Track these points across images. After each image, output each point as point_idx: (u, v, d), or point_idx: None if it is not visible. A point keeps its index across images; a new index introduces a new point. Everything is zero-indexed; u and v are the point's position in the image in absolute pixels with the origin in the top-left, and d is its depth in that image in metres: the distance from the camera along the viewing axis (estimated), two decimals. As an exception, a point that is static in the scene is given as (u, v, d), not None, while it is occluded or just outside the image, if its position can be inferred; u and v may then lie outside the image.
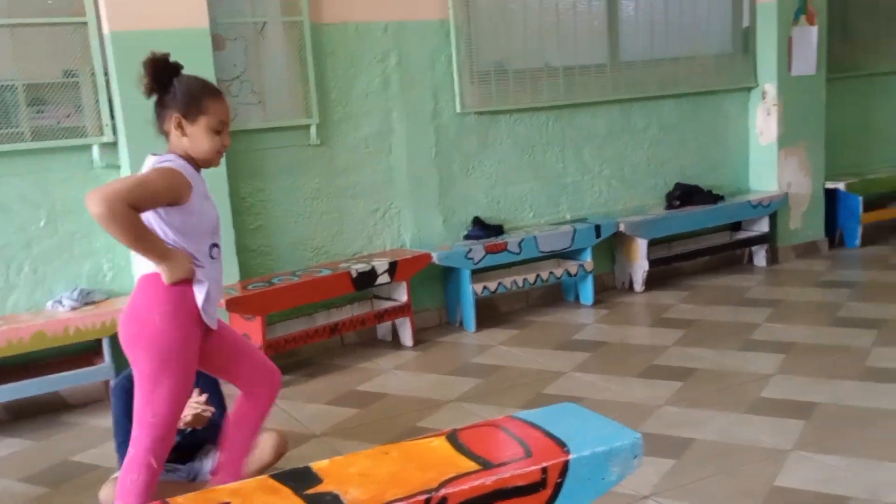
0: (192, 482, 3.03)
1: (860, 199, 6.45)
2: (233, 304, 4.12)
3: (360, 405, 3.98)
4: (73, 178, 4.17)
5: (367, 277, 4.59)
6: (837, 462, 3.03)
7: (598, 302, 5.45)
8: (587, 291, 5.46)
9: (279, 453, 3.02)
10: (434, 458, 2.04)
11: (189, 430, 2.94)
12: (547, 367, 4.30)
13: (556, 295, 5.63)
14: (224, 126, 2.56)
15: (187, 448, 3.03)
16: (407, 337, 4.85)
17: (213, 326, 2.58)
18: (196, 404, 2.84)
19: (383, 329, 5.00)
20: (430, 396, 4.02)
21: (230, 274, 4.35)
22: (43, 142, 4.08)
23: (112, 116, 4.15)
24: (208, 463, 3.05)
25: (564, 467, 1.99)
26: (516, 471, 1.95)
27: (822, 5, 6.15)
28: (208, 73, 4.19)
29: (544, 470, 1.97)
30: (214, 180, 4.23)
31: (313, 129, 4.71)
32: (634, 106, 5.84)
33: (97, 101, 4.15)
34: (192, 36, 4.15)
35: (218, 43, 4.36)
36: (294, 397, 4.14)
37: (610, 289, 5.76)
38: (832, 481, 2.88)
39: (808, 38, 6.13)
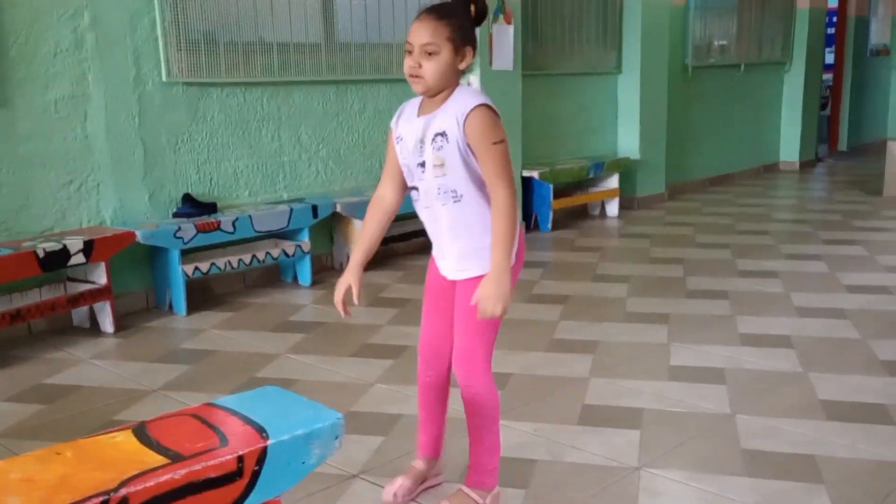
0: None
1: (551, 186, 7.01)
2: None
3: (46, 400, 3.56)
4: None
5: (58, 257, 4.11)
6: (525, 428, 3.21)
7: (316, 283, 5.39)
8: (305, 272, 5.36)
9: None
10: (116, 456, 1.82)
11: None
12: (261, 350, 4.15)
13: (274, 276, 5.48)
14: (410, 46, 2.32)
15: None
16: (107, 323, 4.44)
17: (443, 274, 2.53)
18: None
19: (80, 315, 4.54)
20: (131, 387, 3.69)
21: None
22: None
23: None
24: None
25: (262, 454, 1.88)
26: (209, 461, 1.80)
27: (516, 6, 6.56)
28: None
29: (240, 458, 1.84)
30: None
31: (-13, 88, 4.13)
32: (350, 87, 5.82)
33: None
34: None
35: None
36: (-37, 395, 3.61)
37: (328, 269, 5.72)
38: (520, 446, 3.05)
39: (506, 36, 6.53)
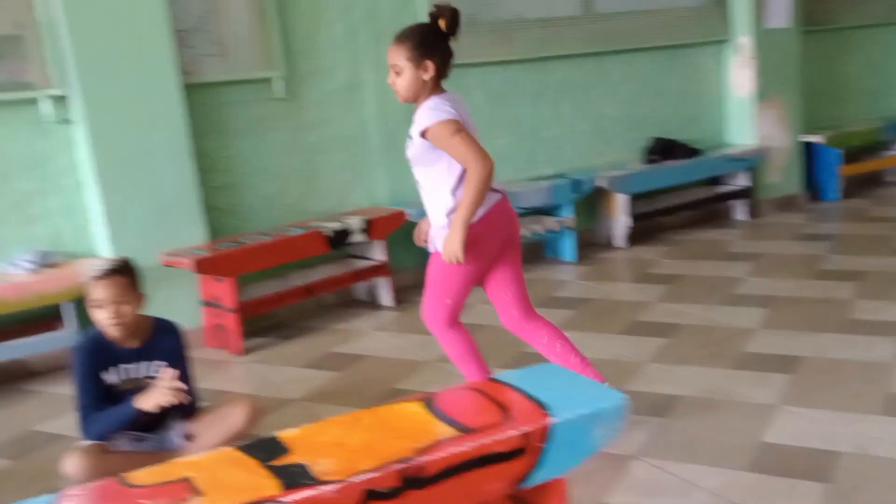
0: (163, 452, 2.89)
1: (840, 152, 6.36)
2: (202, 265, 3.95)
3: (337, 368, 3.86)
4: (22, 134, 3.94)
5: (342, 236, 4.43)
6: (824, 416, 2.95)
7: (580, 258, 5.34)
8: (569, 248, 5.34)
9: (251, 421, 2.87)
10: (409, 425, 1.91)
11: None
12: (528, 326, 4.18)
13: (537, 252, 5.50)
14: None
15: (155, 415, 2.89)
16: (386, 297, 4.72)
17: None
18: (169, 389, 2.67)
19: (361, 289, 4.86)
20: (411, 358, 3.90)
21: (196, 233, 4.18)
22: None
23: (62, 69, 3.90)
24: (176, 433, 2.92)
25: (547, 432, 1.87)
26: (496, 436, 1.83)
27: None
28: (162, 23, 3.98)
29: (526, 435, 1.85)
30: (174, 136, 4.06)
31: (278, 82, 4.51)
32: (610, 59, 5.67)
33: (45, 52, 3.89)
34: (147, -17, 3.93)
35: (173, -10, 4.14)
36: (270, 360, 4.01)
37: (592, 245, 5.65)
38: (819, 435, 2.80)
39: (781, -9, 6.00)
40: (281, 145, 4.59)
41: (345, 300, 4.86)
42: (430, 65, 2.75)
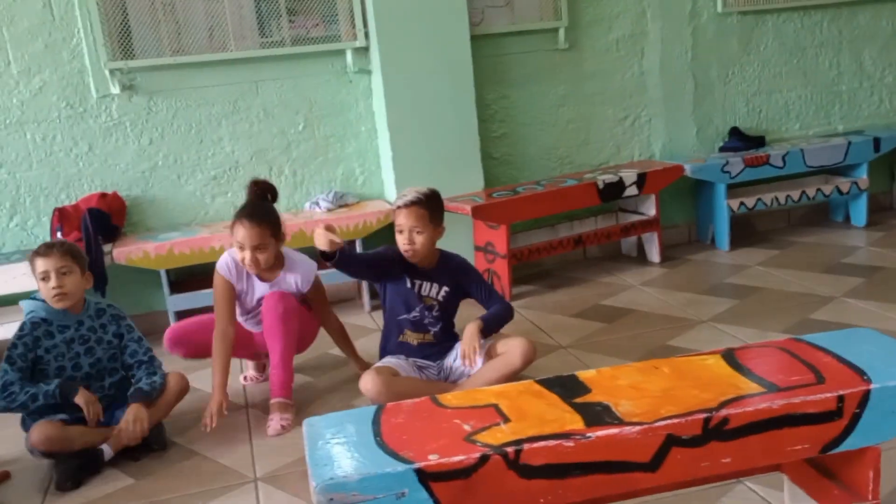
0: (445, 382, 3.09)
1: None
2: (478, 212, 4.11)
3: (606, 319, 3.87)
4: (328, 83, 4.30)
5: (615, 189, 4.40)
6: None
7: (872, 224, 4.89)
8: (859, 211, 4.90)
9: (528, 360, 2.99)
10: (710, 377, 1.88)
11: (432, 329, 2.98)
12: (813, 291, 3.93)
13: (822, 214, 5.12)
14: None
15: (436, 346, 3.11)
16: (654, 253, 4.64)
17: None
18: (322, 233, 2.84)
19: (628, 244, 4.82)
20: (680, 315, 3.81)
21: (475, 181, 4.35)
22: (301, 47, 4.20)
23: (364, 23, 4.21)
24: (460, 361, 3.08)
25: (865, 397, 1.76)
26: (808, 397, 1.75)
27: None
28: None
29: (840, 398, 1.75)
30: (460, 86, 4.22)
31: (562, 32, 4.52)
32: (928, 1, 5.06)
33: (351, 6, 4.21)
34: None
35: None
36: (538, 307, 4.11)
37: (886, 209, 5.16)
38: None
39: None
40: (559, 96, 4.62)
41: (611, 254, 4.84)
42: (281, 237, 3.13)
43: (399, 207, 3.01)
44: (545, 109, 4.62)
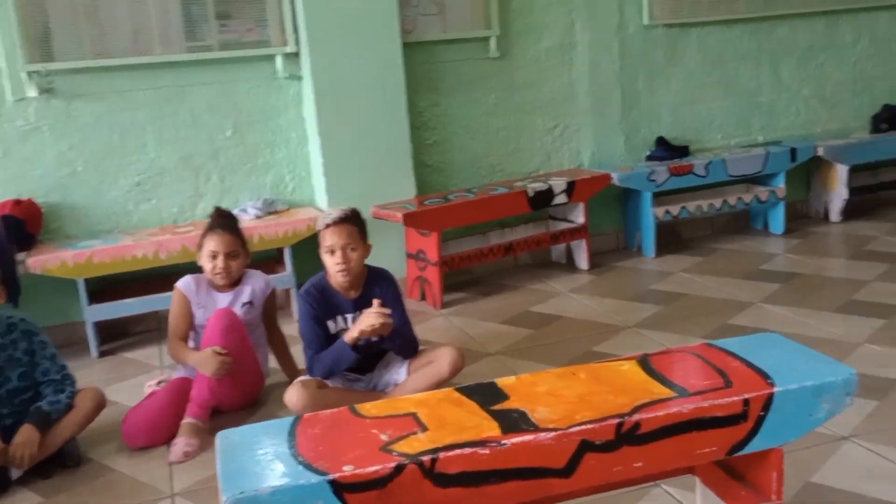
0: (373, 392, 3.09)
1: None
2: (410, 219, 4.12)
3: (534, 326, 3.92)
4: (257, 89, 4.25)
5: (544, 197, 4.46)
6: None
7: (789, 231, 5.07)
8: (778, 219, 5.08)
9: (456, 368, 3.00)
10: (625, 382, 1.92)
11: (373, 339, 2.97)
12: (733, 297, 4.05)
13: (743, 222, 5.28)
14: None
15: (369, 358, 3.09)
16: (582, 260, 4.72)
17: None
18: (377, 313, 2.86)
19: (558, 251, 4.89)
20: (606, 321, 3.89)
21: (407, 188, 4.36)
22: (230, 51, 4.15)
23: (295, 28, 4.18)
24: (391, 374, 3.09)
25: (768, 400, 1.83)
26: (715, 400, 1.80)
27: None
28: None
29: (746, 402, 1.81)
30: (392, 94, 4.23)
31: (493, 41, 4.58)
32: (842, 18, 5.27)
33: (281, 11, 4.18)
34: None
35: (398, -48, 4.28)
36: (468, 315, 4.14)
37: (802, 217, 5.34)
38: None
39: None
40: (490, 104, 4.67)
41: (541, 261, 4.90)
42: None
43: (328, 226, 2.96)
44: (477, 117, 4.66)
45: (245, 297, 3.21)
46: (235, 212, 4.23)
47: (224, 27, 4.16)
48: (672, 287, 4.33)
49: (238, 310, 3.16)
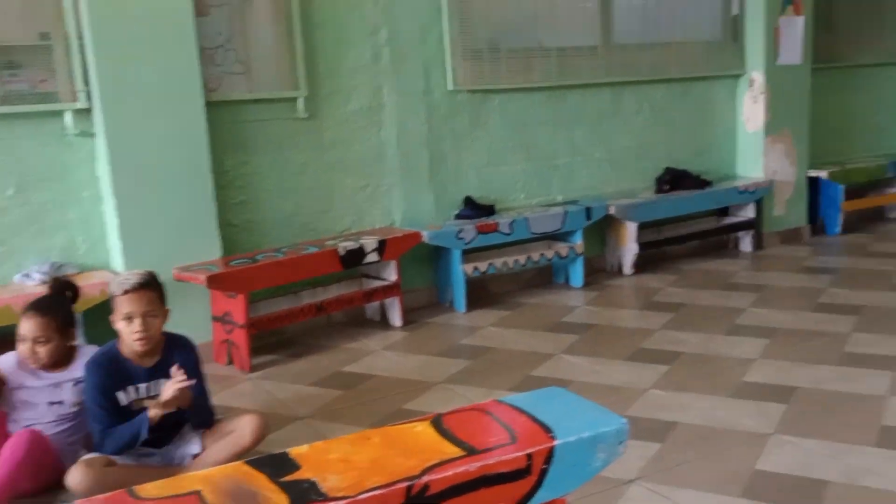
0: (168, 466, 2.94)
1: (841, 187, 6.48)
2: (214, 281, 4.01)
3: (345, 386, 3.90)
4: (45, 146, 4.00)
5: (356, 256, 4.49)
6: (815, 446, 2.99)
7: (587, 284, 5.39)
8: (577, 274, 5.39)
9: (258, 436, 2.92)
10: (417, 444, 1.96)
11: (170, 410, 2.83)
12: (536, 350, 4.23)
13: (547, 277, 5.56)
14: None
15: (164, 430, 2.94)
16: (396, 317, 4.77)
17: None
18: (177, 383, 2.75)
19: (371, 308, 4.92)
20: (417, 378, 3.94)
21: (211, 249, 4.24)
22: (13, 106, 3.90)
23: (86, 82, 3.99)
24: (187, 446, 2.96)
25: (550, 453, 1.92)
26: (501, 457, 1.87)
27: (810, -5, 6.12)
28: (189, 40, 4.07)
29: (529, 456, 1.90)
30: (194, 153, 4.13)
31: (301, 102, 4.60)
32: (626, 89, 5.77)
33: (70, 65, 3.98)
34: (174, 0, 4.02)
35: (201, 9, 4.22)
36: (278, 378, 4.06)
37: (600, 271, 5.70)
38: (810, 465, 2.85)
39: (795, 28, 6.12)
40: (299, 164, 4.66)
41: (355, 319, 4.91)
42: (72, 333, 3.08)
43: (126, 292, 2.81)
44: (287, 176, 4.64)
45: (76, 377, 3.01)
46: (17, 277, 3.96)
47: (13, 77, 3.91)
48: (481, 341, 4.46)
49: (71, 389, 3.00)
